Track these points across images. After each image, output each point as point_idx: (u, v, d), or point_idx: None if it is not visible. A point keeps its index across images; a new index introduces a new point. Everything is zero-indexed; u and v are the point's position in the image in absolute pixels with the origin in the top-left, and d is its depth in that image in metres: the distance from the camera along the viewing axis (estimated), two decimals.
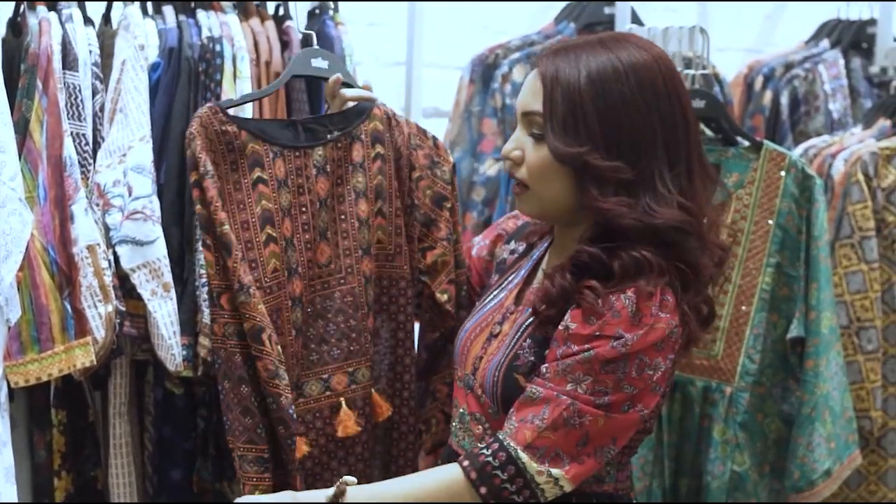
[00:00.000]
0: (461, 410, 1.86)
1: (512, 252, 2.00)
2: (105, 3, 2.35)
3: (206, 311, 2.18)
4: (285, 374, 1.91)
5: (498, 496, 1.66)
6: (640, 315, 1.64)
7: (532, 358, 1.73)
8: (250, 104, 2.24)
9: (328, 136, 2.04)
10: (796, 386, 2.38)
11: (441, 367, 2.16)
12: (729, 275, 2.39)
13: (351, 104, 2.08)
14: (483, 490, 1.66)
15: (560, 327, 1.68)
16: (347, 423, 2.02)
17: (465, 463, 1.68)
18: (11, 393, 2.17)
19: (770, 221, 2.36)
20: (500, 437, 1.67)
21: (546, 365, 1.68)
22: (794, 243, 2.36)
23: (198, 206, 1.91)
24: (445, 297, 2.10)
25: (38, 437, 2.28)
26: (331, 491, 1.70)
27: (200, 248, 2.08)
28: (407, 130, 2.11)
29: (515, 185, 1.80)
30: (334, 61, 2.13)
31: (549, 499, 1.67)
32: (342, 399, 2.03)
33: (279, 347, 1.91)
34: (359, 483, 1.73)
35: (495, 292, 1.93)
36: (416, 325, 2.17)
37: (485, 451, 1.67)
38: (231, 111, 1.98)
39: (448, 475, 1.69)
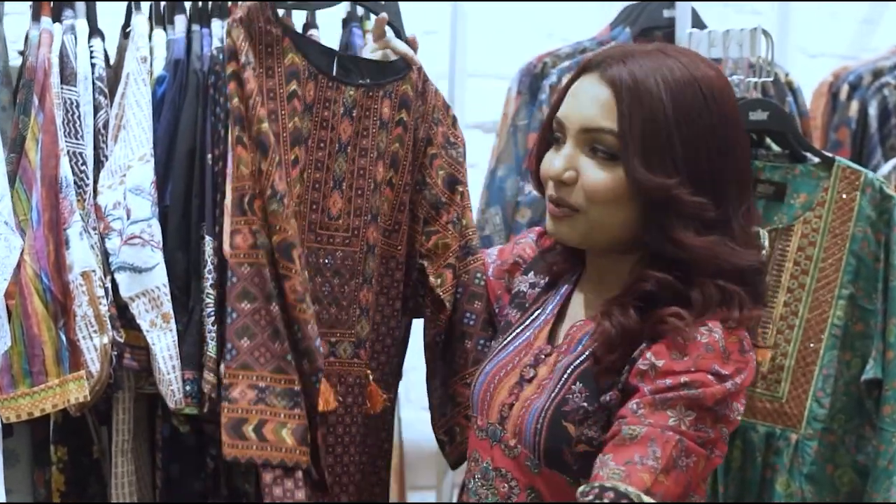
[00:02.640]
0: (484, 465, 1.66)
1: (532, 286, 1.80)
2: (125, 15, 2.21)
3: (213, 344, 2.03)
4: (311, 302, 1.71)
5: None
6: (729, 352, 1.48)
7: (584, 404, 1.53)
8: None
9: (359, 81, 1.89)
10: (872, 434, 2.10)
11: (458, 368, 1.99)
12: (795, 307, 2.13)
13: (393, 57, 1.94)
14: None
15: (641, 366, 1.49)
16: (327, 395, 1.84)
17: None
18: (11, 427, 2.06)
19: (843, 248, 2.09)
20: (609, 484, 1.42)
21: (636, 401, 1.48)
22: (870, 273, 2.09)
23: (234, 101, 1.74)
24: (438, 281, 1.94)
25: (38, 475, 2.16)
26: None
27: (231, 148, 1.84)
28: (433, 102, 1.97)
29: (555, 206, 1.58)
30: (389, 10, 1.97)
31: None
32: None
33: (306, 273, 1.72)
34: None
35: (518, 330, 1.73)
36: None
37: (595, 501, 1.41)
38: None
39: None
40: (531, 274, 1.81)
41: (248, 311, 1.70)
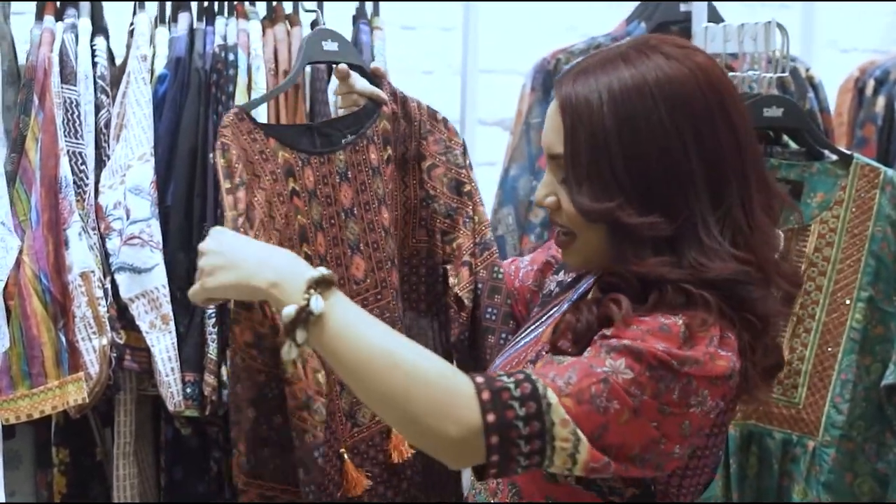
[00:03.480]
0: None
1: (559, 283, 1.75)
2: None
3: (213, 346, 2.01)
4: (321, 408, 1.66)
5: (504, 432, 1.29)
6: (693, 342, 1.34)
7: None
8: (264, 108, 2.07)
9: (343, 141, 1.85)
10: (893, 441, 2.03)
11: (484, 364, 1.92)
12: (812, 311, 2.06)
13: (362, 103, 1.87)
14: (490, 418, 1.28)
15: (595, 337, 1.38)
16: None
17: (480, 380, 1.31)
18: (14, 429, 2.04)
19: (862, 248, 2.02)
20: (528, 371, 1.34)
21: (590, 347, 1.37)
22: (890, 274, 2.02)
23: (231, 213, 1.64)
24: (456, 279, 1.90)
25: (40, 477, 2.15)
26: (312, 275, 1.34)
27: None
28: (418, 118, 1.92)
29: (559, 233, 1.52)
30: (344, 43, 1.90)
31: (553, 466, 1.32)
32: None
33: (318, 376, 1.66)
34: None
35: (533, 326, 1.67)
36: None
37: (504, 377, 1.32)
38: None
39: (454, 378, 1.31)
40: (561, 273, 1.76)
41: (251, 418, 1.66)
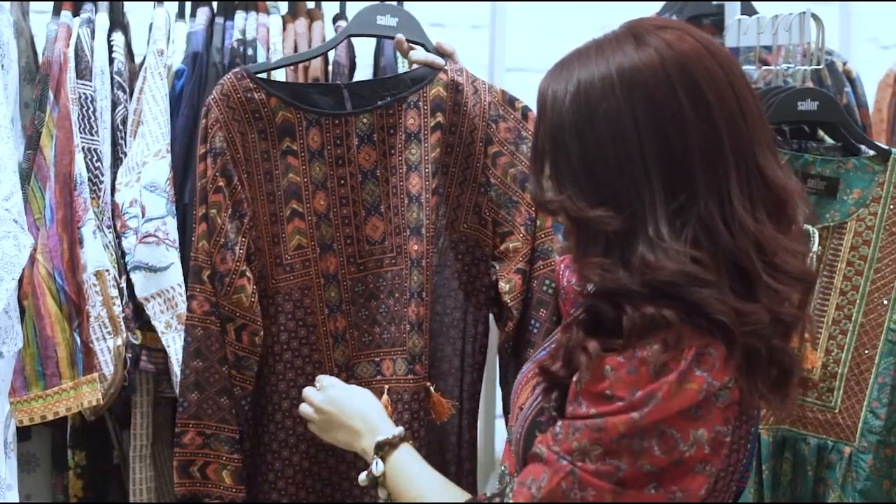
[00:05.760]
0: (502, 468, 1.56)
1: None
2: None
3: None
4: (253, 364, 1.85)
5: None
6: (663, 372, 1.27)
7: (555, 414, 1.40)
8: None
9: (378, 102, 1.86)
10: None
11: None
12: (849, 311, 1.98)
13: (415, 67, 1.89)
14: None
15: (574, 379, 1.35)
16: (387, 410, 1.82)
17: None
18: (30, 431, 2.01)
19: None
20: (509, 494, 1.36)
21: (560, 423, 1.34)
22: None
23: (200, 181, 1.83)
24: (507, 287, 1.88)
25: (56, 480, 2.11)
26: (388, 433, 1.59)
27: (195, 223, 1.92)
28: (488, 99, 1.89)
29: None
30: (406, 18, 1.92)
31: None
32: (387, 386, 1.89)
33: (255, 338, 1.84)
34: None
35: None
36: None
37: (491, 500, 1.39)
38: (265, 76, 1.87)
39: None
40: None
41: (200, 368, 1.83)
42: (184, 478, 1.86)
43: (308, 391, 1.71)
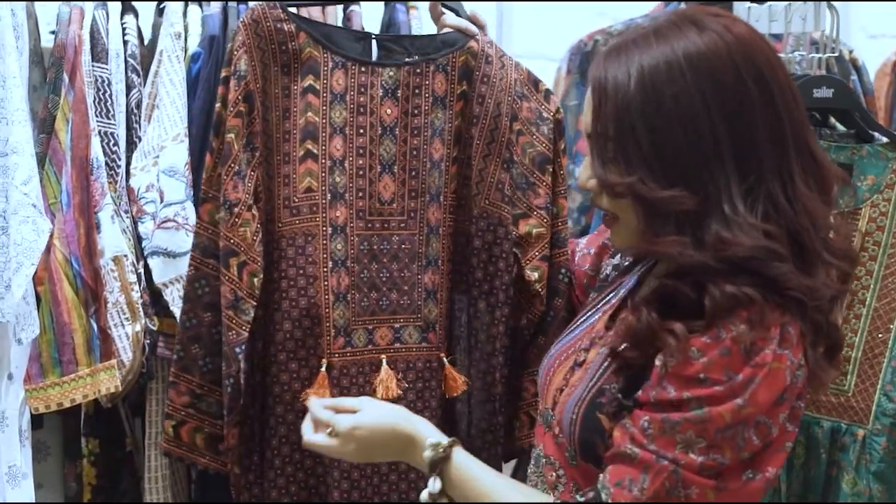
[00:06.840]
0: (538, 451, 1.56)
1: (615, 267, 1.70)
2: None
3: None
4: (250, 310, 1.74)
5: None
6: (755, 351, 1.30)
7: (619, 396, 1.41)
8: None
9: (405, 59, 1.83)
10: None
11: (529, 362, 1.91)
12: (862, 296, 2.00)
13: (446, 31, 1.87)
14: None
15: (657, 363, 1.35)
16: (388, 383, 1.82)
17: None
18: (42, 419, 1.98)
19: None
20: (604, 496, 1.36)
21: (647, 417, 1.35)
22: None
23: (218, 105, 1.75)
24: (536, 275, 1.86)
25: (68, 468, 2.08)
26: (433, 440, 1.47)
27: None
28: (514, 76, 1.88)
29: (604, 215, 1.49)
30: None
31: None
32: (383, 357, 1.83)
33: (255, 280, 1.74)
34: None
35: (589, 313, 1.62)
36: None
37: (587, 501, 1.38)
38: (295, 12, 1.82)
39: None
40: (618, 256, 1.71)
41: (186, 309, 1.79)
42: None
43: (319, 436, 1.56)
